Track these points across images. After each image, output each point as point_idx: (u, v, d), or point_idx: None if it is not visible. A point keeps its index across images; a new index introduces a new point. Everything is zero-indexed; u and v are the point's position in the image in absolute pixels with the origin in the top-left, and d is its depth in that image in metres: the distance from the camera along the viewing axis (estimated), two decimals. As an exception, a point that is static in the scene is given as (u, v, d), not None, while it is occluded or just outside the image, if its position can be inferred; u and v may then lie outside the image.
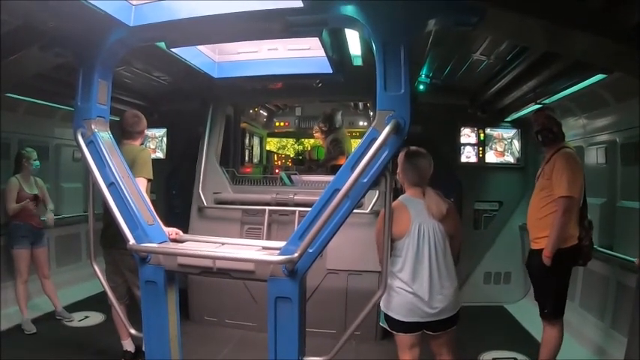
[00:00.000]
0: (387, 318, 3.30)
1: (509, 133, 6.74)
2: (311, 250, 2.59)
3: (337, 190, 2.51)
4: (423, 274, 3.17)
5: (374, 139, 2.49)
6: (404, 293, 3.19)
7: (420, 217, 3.22)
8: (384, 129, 2.47)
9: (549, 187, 3.83)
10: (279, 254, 2.64)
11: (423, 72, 5.83)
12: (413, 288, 3.16)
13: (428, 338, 3.33)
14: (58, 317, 5.58)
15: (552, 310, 3.90)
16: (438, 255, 3.20)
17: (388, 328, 3.33)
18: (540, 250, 3.80)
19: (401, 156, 3.34)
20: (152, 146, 7.48)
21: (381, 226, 3.16)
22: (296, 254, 2.54)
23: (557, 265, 3.76)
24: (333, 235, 2.59)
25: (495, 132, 6.77)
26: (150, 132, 7.31)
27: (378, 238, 3.30)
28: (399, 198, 3.33)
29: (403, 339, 3.29)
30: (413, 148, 3.36)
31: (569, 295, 3.99)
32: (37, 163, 5.49)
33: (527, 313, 4.02)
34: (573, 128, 5.27)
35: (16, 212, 5.22)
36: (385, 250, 2.84)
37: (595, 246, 3.98)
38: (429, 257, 3.17)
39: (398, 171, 3.36)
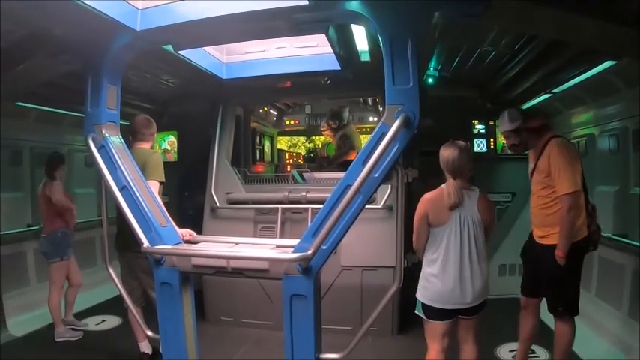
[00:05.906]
0: (425, 306, 3.32)
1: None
2: (325, 247, 2.59)
3: (349, 186, 2.51)
4: (464, 262, 3.21)
5: (384, 134, 2.49)
6: (446, 280, 3.22)
7: (461, 206, 3.25)
8: (393, 123, 2.46)
9: (550, 184, 3.65)
10: (293, 252, 2.65)
11: (432, 65, 5.80)
12: (454, 275, 3.20)
13: (457, 325, 3.38)
14: (69, 326, 5.35)
15: (569, 308, 3.75)
16: (477, 243, 3.25)
17: (424, 317, 3.35)
18: (553, 246, 3.62)
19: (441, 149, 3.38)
20: (169, 148, 7.54)
21: (421, 213, 3.24)
22: (310, 251, 2.55)
23: (571, 261, 3.61)
24: (347, 231, 2.60)
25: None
26: (170, 139, 7.47)
27: (416, 225, 3.32)
28: (442, 186, 3.34)
29: (437, 327, 3.32)
30: (450, 141, 3.38)
31: (584, 285, 3.92)
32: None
33: (543, 304, 3.98)
34: (584, 116, 5.21)
35: (65, 205, 5.10)
36: (399, 240, 2.85)
37: (609, 234, 3.90)
38: (469, 246, 3.22)
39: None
